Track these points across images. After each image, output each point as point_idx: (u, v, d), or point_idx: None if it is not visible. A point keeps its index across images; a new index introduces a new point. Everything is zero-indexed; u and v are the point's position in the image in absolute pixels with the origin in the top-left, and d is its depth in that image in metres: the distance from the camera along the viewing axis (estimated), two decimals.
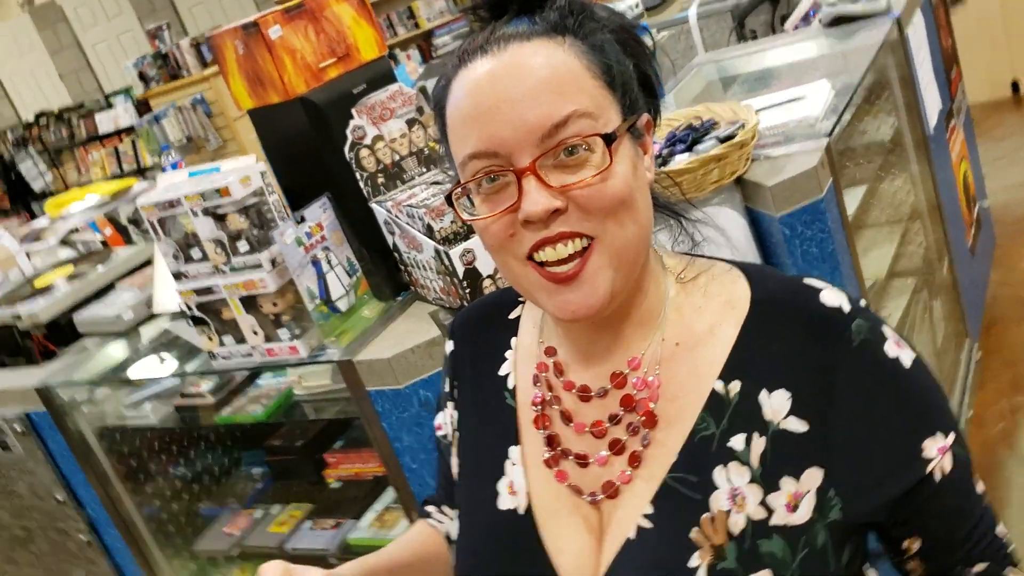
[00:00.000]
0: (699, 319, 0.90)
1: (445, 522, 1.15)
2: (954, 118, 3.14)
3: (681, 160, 1.82)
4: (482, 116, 0.81)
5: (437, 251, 1.65)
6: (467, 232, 1.68)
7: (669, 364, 0.89)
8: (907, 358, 0.85)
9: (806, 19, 2.98)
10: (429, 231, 1.66)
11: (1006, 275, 3.56)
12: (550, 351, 0.97)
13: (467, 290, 1.66)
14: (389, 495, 2.15)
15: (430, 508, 1.19)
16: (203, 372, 2.03)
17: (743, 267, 0.93)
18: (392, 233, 1.78)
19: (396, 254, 1.81)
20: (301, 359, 1.81)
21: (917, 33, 2.74)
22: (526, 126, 0.80)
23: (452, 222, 1.68)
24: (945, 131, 2.98)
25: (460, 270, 1.64)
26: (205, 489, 2.44)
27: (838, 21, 2.70)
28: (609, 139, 0.81)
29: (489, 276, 1.67)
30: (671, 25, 3.45)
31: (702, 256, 0.96)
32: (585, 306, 0.83)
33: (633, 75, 0.88)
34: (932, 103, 2.81)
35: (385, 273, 1.87)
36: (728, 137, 1.84)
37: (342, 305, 1.80)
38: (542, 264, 0.83)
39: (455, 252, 1.63)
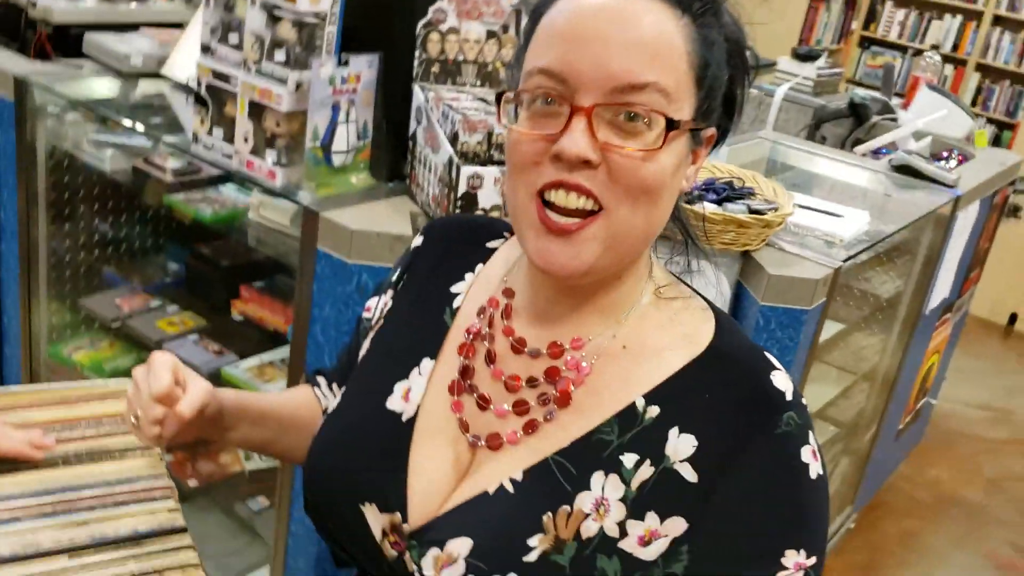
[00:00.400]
0: (655, 336, 0.90)
1: (329, 398, 1.14)
2: (950, 313, 3.18)
3: (707, 207, 1.81)
4: (571, 40, 0.79)
5: (451, 160, 1.63)
6: (487, 159, 1.66)
7: (607, 360, 0.89)
8: (815, 471, 0.85)
9: (877, 153, 2.99)
10: (454, 139, 1.64)
11: (913, 473, 3.63)
12: (508, 292, 0.96)
13: (458, 210, 1.64)
14: (279, 353, 2.13)
15: (320, 379, 1.17)
16: (178, 149, 1.98)
17: (717, 313, 0.92)
18: (419, 122, 1.75)
19: (411, 142, 1.78)
20: (273, 187, 1.77)
21: (966, 221, 2.76)
22: (605, 71, 0.78)
23: (479, 143, 1.66)
24: (937, 320, 3.01)
25: (462, 189, 1.62)
26: (118, 256, 2.39)
27: (905, 170, 2.71)
28: (671, 124, 0.79)
29: (483, 209, 1.65)
30: (757, 89, 3.44)
31: (688, 284, 0.95)
32: (561, 265, 0.82)
33: (723, 87, 0.86)
34: (941, 289, 2.84)
35: (391, 154, 1.84)
36: (759, 212, 1.84)
37: (337, 160, 1.77)
38: (547, 205, 0.81)
39: (467, 170, 1.61)
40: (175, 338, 2.16)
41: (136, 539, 0.92)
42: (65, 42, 2.30)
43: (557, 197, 0.80)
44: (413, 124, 1.77)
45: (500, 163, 1.67)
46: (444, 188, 1.67)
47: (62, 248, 2.30)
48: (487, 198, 1.65)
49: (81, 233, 2.33)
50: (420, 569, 0.85)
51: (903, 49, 6.80)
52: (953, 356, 3.63)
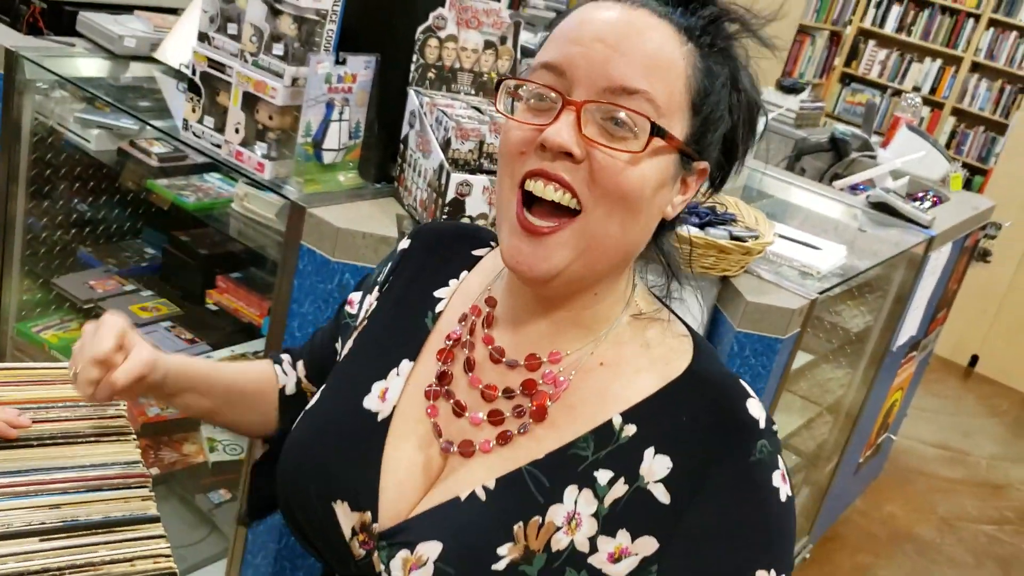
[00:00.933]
0: (632, 358, 0.91)
1: (289, 376, 1.14)
2: (916, 352, 3.23)
3: (689, 231, 1.83)
4: (575, 40, 0.83)
5: (441, 166, 1.63)
6: (477, 168, 1.67)
7: (584, 376, 0.90)
8: (784, 494, 0.87)
9: (854, 188, 3.03)
10: (446, 145, 1.64)
11: (868, 507, 3.67)
12: (490, 301, 0.97)
13: (445, 216, 1.64)
14: (252, 346, 2.12)
15: (284, 357, 1.17)
16: (165, 134, 1.97)
17: (696, 338, 0.94)
18: (412, 126, 1.75)
19: (402, 145, 1.79)
20: (261, 179, 1.77)
21: (937, 261, 2.81)
22: (601, 71, 0.81)
23: (470, 151, 1.67)
24: (903, 357, 3.06)
25: (450, 195, 1.63)
26: (95, 237, 2.37)
27: (881, 207, 2.76)
28: (656, 130, 0.81)
29: (470, 217, 1.65)
30: None
31: (670, 309, 0.96)
32: (530, 265, 0.83)
33: (724, 125, 0.87)
34: (909, 327, 2.89)
35: (381, 156, 1.84)
36: (740, 238, 1.86)
37: (327, 157, 1.77)
38: (527, 197, 0.83)
39: (456, 177, 1.62)
40: (148, 323, 2.15)
41: (108, 525, 0.91)
42: (58, 19, 2.28)
43: (537, 188, 0.82)
44: (406, 128, 1.78)
45: (490, 172, 1.68)
46: (432, 193, 1.67)
47: (38, 225, 2.28)
48: (475, 206, 1.65)
49: (59, 211, 2.30)
50: (388, 570, 0.85)
51: (882, 88, 6.91)
52: (915, 394, 3.68)
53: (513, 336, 0.93)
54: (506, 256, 0.85)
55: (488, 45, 1.82)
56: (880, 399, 3.06)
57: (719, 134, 0.87)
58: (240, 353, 2.10)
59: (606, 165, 0.81)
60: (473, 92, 1.84)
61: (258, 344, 2.04)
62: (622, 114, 0.80)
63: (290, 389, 1.13)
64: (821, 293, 1.97)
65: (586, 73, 0.81)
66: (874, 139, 3.66)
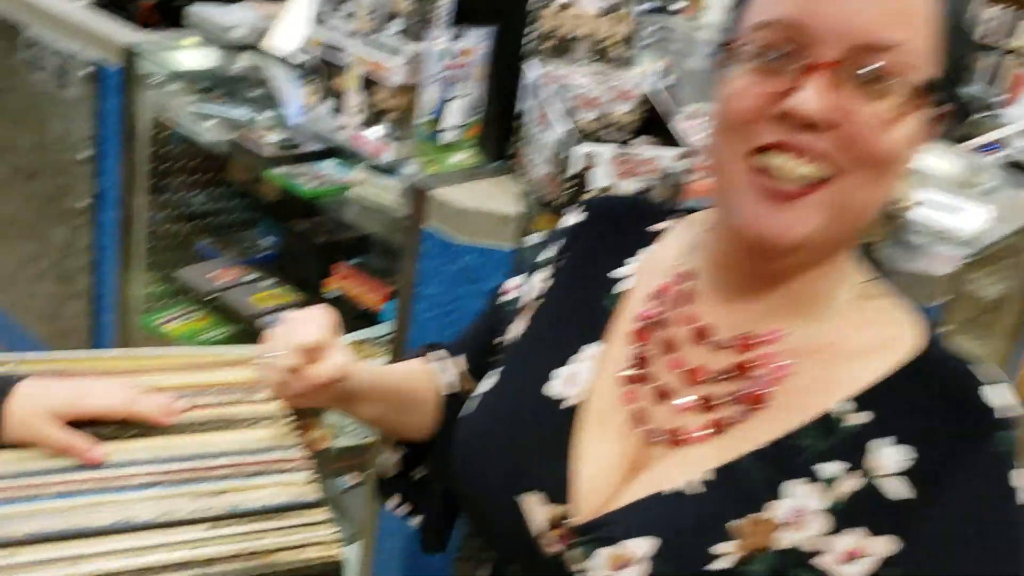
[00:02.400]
0: (858, 337, 0.81)
1: (448, 372, 1.09)
2: None
3: None
4: None
5: (563, 139, 1.58)
6: (598, 137, 1.61)
7: (805, 359, 0.81)
8: (1022, 496, 0.78)
9: (984, 148, 2.88)
10: (567, 116, 1.59)
11: None
12: (686, 276, 0.88)
13: (568, 191, 1.59)
14: (372, 332, 2.10)
15: (441, 351, 1.12)
16: (279, 123, 1.96)
17: (924, 317, 0.84)
18: (530, 99, 1.70)
19: (520, 120, 1.74)
20: (379, 162, 1.75)
21: None
22: (848, 25, 0.70)
23: (592, 121, 1.61)
24: None
25: (574, 169, 1.58)
26: (213, 229, 2.39)
27: (1015, 166, 2.62)
28: (921, 89, 0.71)
29: (590, 191, 1.60)
30: None
31: (892, 283, 0.87)
32: (774, 234, 0.74)
33: (969, 61, 0.78)
34: None
35: (499, 132, 1.80)
36: None
37: (447, 136, 1.74)
38: (760, 171, 0.74)
39: (580, 149, 1.57)
40: (269, 312, 2.15)
41: (273, 511, 0.89)
42: (167, 15, 2.31)
43: (776, 162, 0.73)
44: (523, 101, 1.73)
45: (614, 142, 1.62)
46: (555, 168, 1.62)
47: (157, 217, 2.31)
48: (599, 178, 1.60)
49: (177, 205, 2.33)
50: (589, 568, 0.80)
51: (992, 48, 6.60)
52: None
53: (720, 314, 0.85)
54: (747, 225, 0.75)
55: (608, 10, 1.76)
56: (1015, 370, 2.91)
57: (964, 73, 0.78)
58: (361, 339, 2.09)
59: (863, 130, 0.71)
60: (593, 60, 1.78)
61: (377, 329, 2.03)
62: (873, 70, 0.71)
63: (452, 386, 1.07)
64: (968, 259, 1.86)
65: (833, 29, 0.71)
66: (996, 98, 3.48)
